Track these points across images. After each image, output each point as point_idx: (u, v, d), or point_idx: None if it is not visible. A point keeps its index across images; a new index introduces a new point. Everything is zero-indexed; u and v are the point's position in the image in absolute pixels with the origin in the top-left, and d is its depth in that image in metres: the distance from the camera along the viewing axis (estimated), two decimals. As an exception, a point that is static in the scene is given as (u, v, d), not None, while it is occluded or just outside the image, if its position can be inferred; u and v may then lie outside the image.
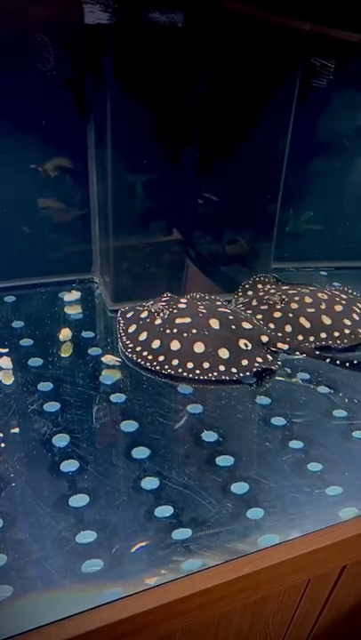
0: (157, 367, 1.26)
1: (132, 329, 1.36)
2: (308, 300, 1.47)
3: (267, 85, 1.44)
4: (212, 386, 1.27)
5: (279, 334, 1.41)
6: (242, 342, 1.33)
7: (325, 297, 1.50)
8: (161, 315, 1.34)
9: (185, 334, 1.30)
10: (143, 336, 1.32)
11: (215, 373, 1.26)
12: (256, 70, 1.40)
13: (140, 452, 1.09)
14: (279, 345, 1.37)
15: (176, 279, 1.63)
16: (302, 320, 1.42)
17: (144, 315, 1.38)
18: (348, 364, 1.31)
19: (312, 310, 1.44)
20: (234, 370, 1.28)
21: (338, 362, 1.32)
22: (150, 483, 1.02)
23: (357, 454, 1.13)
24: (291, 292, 1.52)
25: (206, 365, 1.26)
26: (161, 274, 1.61)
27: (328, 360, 1.33)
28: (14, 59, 1.34)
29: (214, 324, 1.34)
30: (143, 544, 0.91)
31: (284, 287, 1.59)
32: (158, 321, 1.33)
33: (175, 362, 1.26)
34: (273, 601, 1.06)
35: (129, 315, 1.41)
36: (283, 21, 1.38)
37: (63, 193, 1.57)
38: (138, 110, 1.34)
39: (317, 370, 1.36)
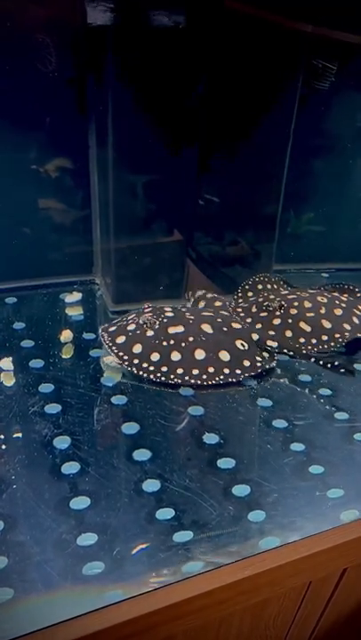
0: (163, 378, 1.24)
1: (120, 340, 1.30)
2: (307, 304, 1.46)
3: (268, 86, 1.44)
4: (213, 388, 1.26)
5: (270, 332, 1.41)
6: (238, 343, 1.33)
7: (325, 300, 1.49)
8: (149, 325, 1.30)
9: (183, 343, 1.28)
10: (138, 348, 1.27)
11: (222, 377, 1.26)
12: (257, 71, 1.40)
13: (142, 455, 1.08)
14: (269, 342, 1.38)
15: (177, 280, 1.63)
16: (302, 325, 1.41)
17: (131, 327, 1.32)
18: (329, 365, 1.36)
19: (312, 315, 1.43)
20: (238, 371, 1.28)
21: (321, 362, 1.37)
22: (151, 485, 1.02)
23: (359, 457, 1.13)
24: (290, 296, 1.50)
25: (211, 370, 1.26)
26: (162, 275, 1.61)
27: (313, 360, 1.37)
28: (15, 59, 1.34)
29: (207, 328, 1.33)
30: (144, 546, 0.91)
31: (284, 292, 1.57)
32: (150, 332, 1.30)
33: (180, 370, 1.25)
34: (274, 604, 1.06)
35: (112, 329, 1.35)
36: (284, 22, 1.38)
37: (64, 194, 1.57)
38: (139, 111, 1.34)
39: (319, 372, 1.36)
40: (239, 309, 1.51)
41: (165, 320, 1.33)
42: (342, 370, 1.35)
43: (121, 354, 1.27)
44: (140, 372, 1.24)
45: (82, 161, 1.53)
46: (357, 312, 1.49)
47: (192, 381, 1.24)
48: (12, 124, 1.41)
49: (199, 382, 1.24)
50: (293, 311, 1.44)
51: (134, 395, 1.24)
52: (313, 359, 1.38)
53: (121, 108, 1.34)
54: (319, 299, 1.49)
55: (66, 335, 1.43)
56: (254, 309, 1.49)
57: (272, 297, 1.51)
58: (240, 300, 1.60)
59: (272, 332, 1.41)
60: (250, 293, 1.62)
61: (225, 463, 1.08)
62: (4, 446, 1.08)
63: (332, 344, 1.39)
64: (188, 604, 0.86)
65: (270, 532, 0.96)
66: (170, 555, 0.90)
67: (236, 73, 1.39)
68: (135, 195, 1.47)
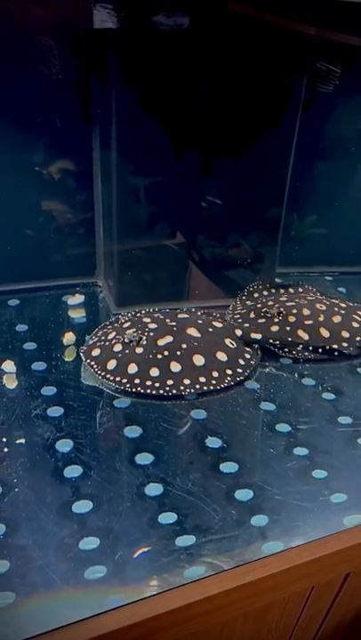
0: (174, 391, 1.21)
1: (112, 365, 1.24)
2: (306, 311, 1.44)
3: (271, 89, 1.44)
4: (216, 392, 1.26)
5: (249, 325, 1.42)
6: (228, 341, 1.33)
7: (324, 307, 1.48)
8: (137, 343, 1.26)
9: (178, 352, 1.26)
10: (133, 368, 1.22)
11: (228, 379, 1.26)
12: (261, 74, 1.40)
13: (144, 458, 1.08)
14: (253, 335, 1.38)
15: (179, 283, 1.63)
16: (300, 332, 1.41)
17: (118, 348, 1.26)
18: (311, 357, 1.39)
19: (310, 322, 1.42)
20: (239, 370, 1.29)
21: (301, 359, 1.40)
22: (154, 489, 1.02)
23: (362, 461, 1.13)
24: (289, 303, 1.48)
25: (216, 375, 1.26)
26: (164, 277, 1.61)
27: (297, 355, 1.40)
28: (18, 61, 1.34)
29: (194, 332, 1.32)
30: (146, 551, 0.91)
31: (282, 298, 1.56)
32: (140, 349, 1.25)
33: (187, 381, 1.23)
34: (276, 608, 1.05)
35: (95, 353, 1.28)
36: (287, 24, 1.38)
37: (67, 196, 1.57)
38: (142, 113, 1.34)
39: (323, 376, 1.36)
40: (237, 316, 1.50)
41: (152, 333, 1.29)
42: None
43: (118, 379, 1.21)
44: (148, 391, 1.20)
45: (85, 163, 1.53)
46: (357, 317, 1.48)
47: (204, 388, 1.23)
48: (15, 126, 1.41)
49: (205, 389, 1.23)
50: (292, 318, 1.43)
51: (137, 398, 1.23)
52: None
53: (124, 110, 1.34)
54: (318, 306, 1.47)
55: (68, 338, 1.43)
56: (252, 315, 1.48)
57: (270, 303, 1.50)
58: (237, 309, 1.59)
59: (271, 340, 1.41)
60: (248, 302, 1.60)
61: (228, 467, 1.08)
62: (6, 449, 1.08)
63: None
64: (189, 609, 0.85)
65: (273, 537, 0.95)
66: (172, 559, 0.90)
67: (239, 75, 1.39)
68: (138, 197, 1.47)
